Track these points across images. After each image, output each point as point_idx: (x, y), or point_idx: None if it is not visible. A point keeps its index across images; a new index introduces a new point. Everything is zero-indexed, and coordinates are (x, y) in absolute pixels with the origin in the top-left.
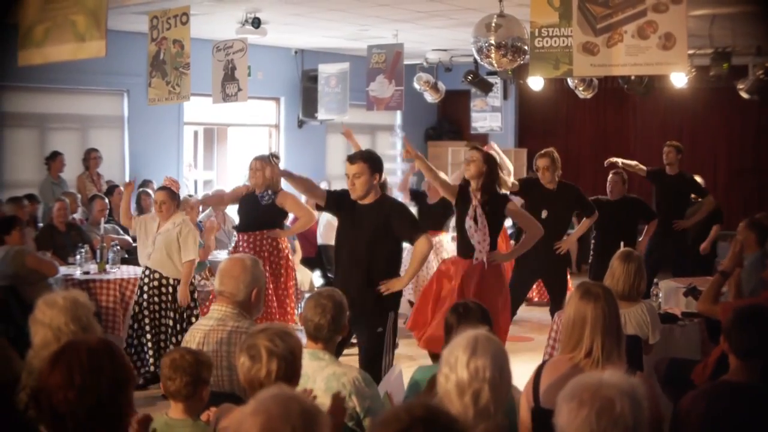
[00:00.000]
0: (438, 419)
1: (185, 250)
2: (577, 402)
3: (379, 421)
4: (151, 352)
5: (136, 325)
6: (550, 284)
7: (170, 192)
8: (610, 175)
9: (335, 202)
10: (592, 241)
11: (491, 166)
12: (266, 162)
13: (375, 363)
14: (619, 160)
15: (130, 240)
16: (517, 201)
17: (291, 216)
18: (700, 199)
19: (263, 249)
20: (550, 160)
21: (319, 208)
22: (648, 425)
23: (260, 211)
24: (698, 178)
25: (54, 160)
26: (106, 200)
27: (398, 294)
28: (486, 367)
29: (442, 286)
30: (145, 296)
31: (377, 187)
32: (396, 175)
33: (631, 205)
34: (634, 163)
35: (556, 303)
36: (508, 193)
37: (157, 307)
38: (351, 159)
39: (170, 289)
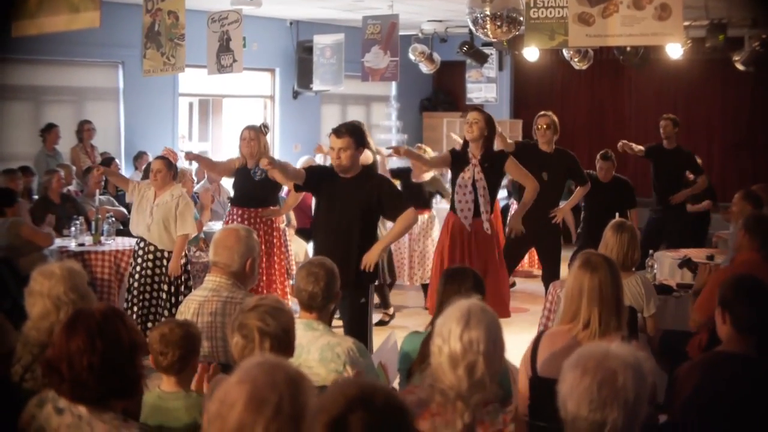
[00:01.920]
0: (374, 397)
1: (182, 223)
2: (581, 370)
3: (317, 407)
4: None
5: (128, 296)
6: (543, 251)
7: (167, 162)
8: (601, 162)
9: (314, 179)
10: (582, 215)
11: (492, 128)
12: (258, 131)
13: (362, 335)
14: (632, 145)
15: (125, 211)
16: None
17: (285, 188)
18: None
19: (258, 227)
20: (551, 120)
21: (297, 188)
22: (648, 400)
23: (254, 186)
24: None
25: (49, 132)
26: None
27: (376, 266)
28: (480, 339)
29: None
30: (138, 267)
31: (359, 161)
32: (391, 145)
33: (621, 186)
34: (638, 148)
35: (548, 271)
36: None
37: (149, 280)
38: (337, 132)
39: (165, 262)
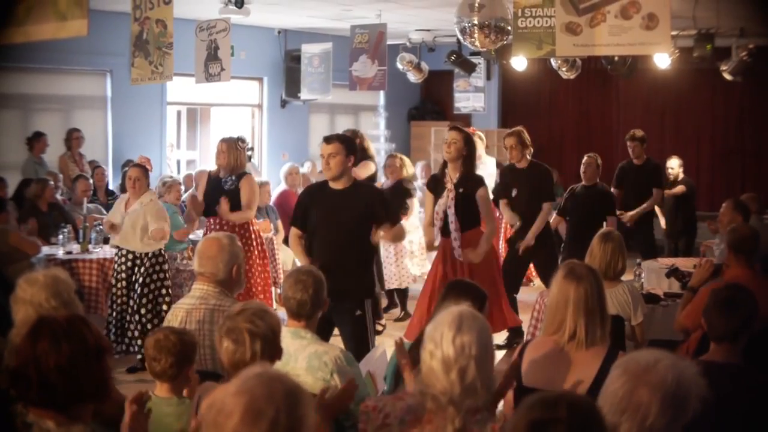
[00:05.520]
0: (591, 423)
1: (154, 221)
2: (621, 370)
3: (533, 401)
4: (136, 333)
5: (113, 306)
6: (539, 265)
7: (144, 169)
8: (585, 158)
9: (303, 215)
10: (567, 223)
11: (471, 147)
12: (231, 144)
13: (362, 347)
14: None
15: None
16: None
17: (273, 197)
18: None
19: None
20: (515, 140)
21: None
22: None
23: (223, 196)
24: (676, 159)
25: (37, 140)
26: (91, 181)
27: (372, 282)
28: (472, 343)
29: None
30: (117, 275)
31: (350, 170)
32: (380, 155)
33: (600, 195)
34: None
35: (546, 282)
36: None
37: (124, 283)
38: (327, 139)
39: (138, 263)
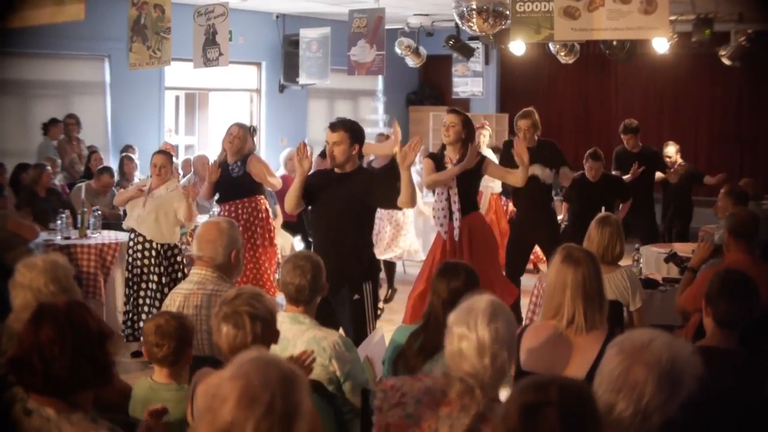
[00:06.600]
0: (582, 405)
1: (180, 207)
2: (617, 349)
3: (525, 385)
4: (130, 315)
5: (128, 290)
6: (545, 245)
7: (169, 156)
8: (591, 162)
9: (309, 193)
10: (568, 211)
11: (470, 129)
12: (246, 131)
13: (361, 332)
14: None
15: (120, 213)
16: None
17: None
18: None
19: (240, 217)
20: (532, 122)
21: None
22: (666, 411)
23: (232, 183)
24: (673, 146)
25: (54, 126)
26: (115, 179)
27: (374, 265)
28: (504, 329)
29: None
30: (130, 259)
31: (356, 157)
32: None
33: (611, 183)
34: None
35: None
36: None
37: (138, 271)
38: (332, 127)
39: (153, 253)
